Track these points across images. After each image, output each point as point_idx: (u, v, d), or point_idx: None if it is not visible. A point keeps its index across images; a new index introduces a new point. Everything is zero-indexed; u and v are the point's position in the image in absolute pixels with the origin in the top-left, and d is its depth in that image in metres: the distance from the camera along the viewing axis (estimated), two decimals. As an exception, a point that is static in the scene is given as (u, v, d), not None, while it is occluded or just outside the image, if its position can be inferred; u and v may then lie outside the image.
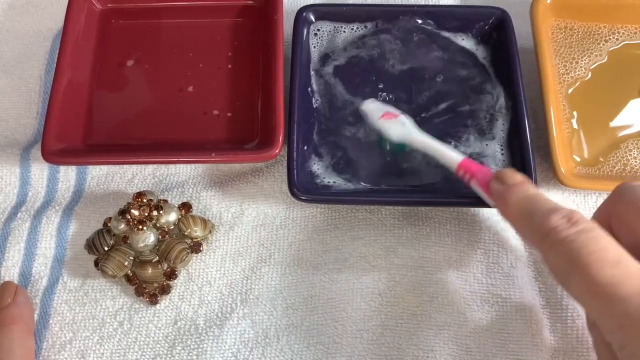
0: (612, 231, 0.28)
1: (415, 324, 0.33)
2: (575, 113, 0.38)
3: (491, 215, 0.37)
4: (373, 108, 0.36)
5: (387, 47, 0.40)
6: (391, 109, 0.36)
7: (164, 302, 0.35)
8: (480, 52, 0.40)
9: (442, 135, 0.37)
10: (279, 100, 0.36)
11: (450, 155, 0.33)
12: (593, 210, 0.37)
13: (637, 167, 0.37)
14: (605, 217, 0.29)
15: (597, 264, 0.23)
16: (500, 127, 0.38)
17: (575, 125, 0.38)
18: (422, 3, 0.43)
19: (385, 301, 0.34)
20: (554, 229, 0.25)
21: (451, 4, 0.44)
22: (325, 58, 0.40)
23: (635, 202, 0.27)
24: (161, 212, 0.35)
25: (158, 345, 0.34)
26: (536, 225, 0.26)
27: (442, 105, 0.38)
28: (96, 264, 0.35)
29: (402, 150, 0.36)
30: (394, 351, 0.33)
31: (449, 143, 0.37)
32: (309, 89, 0.39)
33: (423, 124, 0.38)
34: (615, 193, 0.29)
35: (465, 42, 0.40)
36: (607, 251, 0.24)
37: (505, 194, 0.30)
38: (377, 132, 0.36)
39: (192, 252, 0.35)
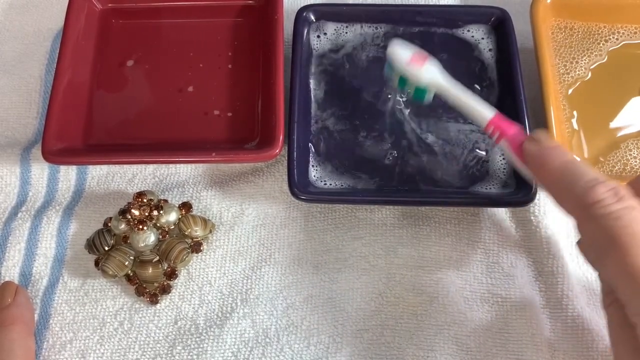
0: None
1: (416, 323, 0.33)
2: (575, 113, 0.38)
3: (491, 215, 0.37)
4: (400, 51, 0.32)
5: (387, 47, 0.40)
6: (420, 51, 0.33)
7: (165, 301, 0.35)
8: (480, 52, 0.40)
9: (443, 135, 0.37)
10: (279, 100, 0.36)
11: (480, 108, 0.31)
12: (593, 210, 0.37)
13: (637, 166, 0.37)
14: None
15: (635, 249, 0.22)
16: (500, 127, 0.38)
17: (575, 125, 0.38)
18: (422, 3, 0.43)
19: (385, 301, 0.34)
20: (599, 202, 0.24)
21: (451, 3, 0.44)
22: (325, 58, 0.40)
23: None
24: (161, 212, 0.35)
25: (158, 345, 0.34)
26: (578, 194, 0.25)
27: (442, 105, 0.38)
28: (96, 263, 0.35)
29: (422, 97, 0.33)
30: (394, 351, 0.33)
31: (448, 145, 0.37)
32: (309, 89, 0.39)
33: (423, 126, 0.38)
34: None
35: (465, 41, 0.40)
36: None
37: (543, 156, 0.28)
38: (400, 75, 0.33)
39: (192, 251, 0.35)
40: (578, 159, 0.27)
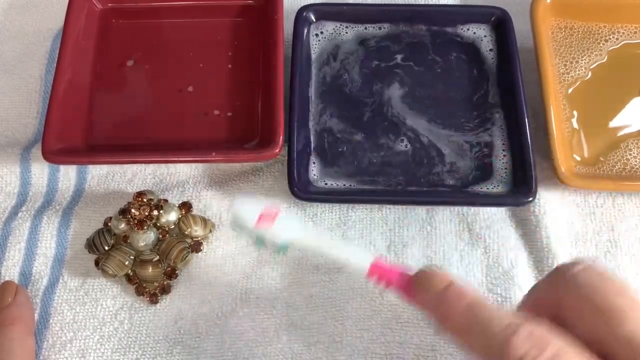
0: (557, 318, 0.23)
1: (416, 323, 0.33)
2: (575, 112, 0.38)
3: (491, 215, 0.37)
4: (245, 213, 0.27)
5: (387, 47, 0.40)
6: (267, 206, 0.28)
7: (165, 301, 0.35)
8: (480, 52, 0.40)
9: (443, 135, 0.37)
10: (279, 99, 0.36)
11: (355, 260, 0.27)
12: (594, 210, 0.37)
13: (637, 166, 0.37)
14: (548, 304, 0.24)
15: None
16: (500, 127, 0.38)
17: (575, 125, 0.38)
18: (422, 3, 0.43)
19: (386, 300, 0.34)
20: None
21: (451, 3, 0.44)
22: (325, 58, 0.40)
23: (581, 295, 0.23)
24: (161, 211, 0.35)
25: (158, 345, 0.34)
26: (495, 350, 0.22)
27: (441, 105, 0.38)
28: (97, 263, 0.35)
29: (285, 251, 0.28)
30: (395, 350, 0.33)
31: (448, 145, 0.37)
32: (309, 89, 0.39)
33: (423, 126, 0.38)
34: (555, 281, 0.25)
35: (466, 41, 0.40)
36: None
37: (439, 304, 0.25)
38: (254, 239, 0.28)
39: (192, 251, 0.35)
40: (478, 293, 0.25)
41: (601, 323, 0.22)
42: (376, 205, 0.37)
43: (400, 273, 0.27)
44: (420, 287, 0.26)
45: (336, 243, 0.29)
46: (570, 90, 0.39)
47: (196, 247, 0.35)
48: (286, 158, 0.36)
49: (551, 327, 0.22)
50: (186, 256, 0.34)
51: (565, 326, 0.23)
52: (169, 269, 0.35)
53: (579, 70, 0.39)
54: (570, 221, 0.37)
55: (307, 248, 0.28)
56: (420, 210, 0.37)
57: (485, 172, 0.36)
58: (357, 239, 0.36)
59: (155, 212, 0.34)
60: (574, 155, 0.37)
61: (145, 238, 0.34)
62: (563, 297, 0.24)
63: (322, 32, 0.41)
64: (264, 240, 0.28)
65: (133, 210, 0.34)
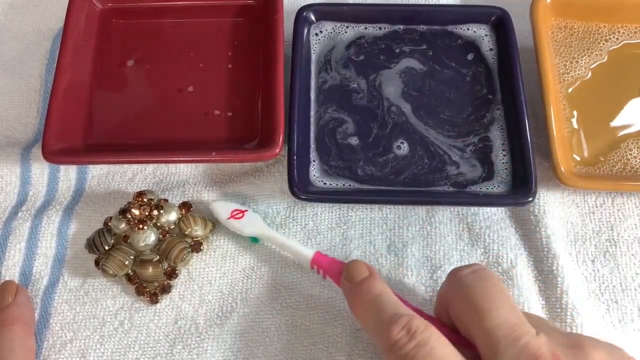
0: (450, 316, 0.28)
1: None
2: (575, 112, 0.38)
3: (491, 215, 0.37)
4: (220, 207, 0.35)
5: (386, 47, 0.40)
6: (238, 206, 0.35)
7: (165, 301, 0.35)
8: (480, 51, 0.40)
9: (442, 136, 0.37)
10: (279, 99, 0.36)
11: (300, 250, 0.33)
12: (593, 210, 0.37)
13: (637, 166, 0.37)
14: (443, 301, 0.29)
15: None
16: (500, 127, 0.38)
17: (575, 125, 0.38)
18: (422, 3, 0.43)
19: (386, 300, 0.34)
20: (395, 344, 0.26)
21: (451, 3, 0.44)
22: (325, 58, 0.40)
23: (462, 293, 0.27)
24: (162, 211, 0.35)
25: (158, 345, 0.34)
26: (381, 335, 0.27)
27: (442, 105, 0.38)
28: (97, 263, 0.35)
29: (256, 241, 0.36)
30: (394, 350, 0.33)
31: (448, 144, 0.37)
32: (309, 89, 0.39)
33: (423, 125, 0.38)
34: (447, 281, 0.29)
35: (466, 41, 0.40)
36: None
37: (354, 293, 0.30)
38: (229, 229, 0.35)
39: (192, 251, 0.35)
40: (386, 288, 0.29)
41: (470, 318, 0.26)
42: (376, 205, 0.37)
43: (333, 262, 0.32)
44: (343, 277, 0.31)
45: (287, 239, 0.34)
46: (570, 90, 0.39)
47: (196, 247, 0.35)
48: (286, 158, 0.36)
49: (428, 322, 0.26)
50: (186, 256, 0.35)
51: (453, 320, 0.27)
52: (169, 268, 0.35)
53: (579, 70, 0.39)
54: (570, 221, 0.37)
55: (267, 240, 0.35)
56: (420, 210, 0.37)
57: (485, 172, 0.36)
58: (357, 238, 0.36)
59: (155, 212, 0.35)
60: (574, 155, 0.37)
61: (146, 238, 0.34)
62: (450, 294, 0.28)
63: (322, 32, 0.41)
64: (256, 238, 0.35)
65: (133, 210, 0.34)
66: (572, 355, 0.25)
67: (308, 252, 0.33)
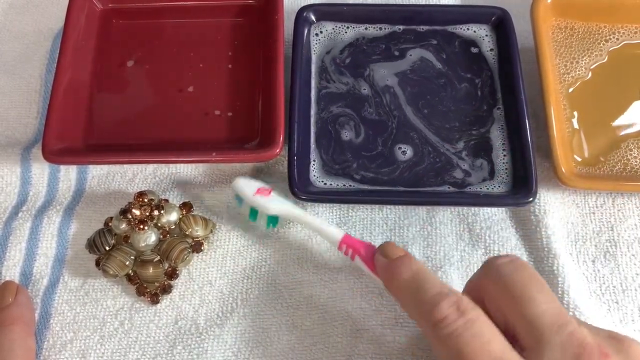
0: (485, 306, 0.27)
1: (415, 323, 0.33)
2: (575, 113, 0.38)
3: (491, 215, 0.37)
4: (245, 184, 0.34)
5: (387, 47, 0.40)
6: (263, 185, 0.34)
7: (165, 301, 0.35)
8: (480, 51, 0.40)
9: (442, 136, 0.37)
10: (279, 100, 0.36)
11: (330, 230, 0.33)
12: (594, 210, 0.37)
13: (638, 166, 0.37)
14: (477, 290, 0.28)
15: None
16: (501, 127, 0.38)
17: (575, 125, 0.38)
18: (423, 3, 0.43)
19: (386, 300, 0.34)
20: (442, 320, 0.25)
21: (452, 3, 0.44)
22: (325, 58, 0.40)
23: (500, 282, 0.27)
24: (162, 211, 0.35)
25: (159, 345, 0.34)
26: (425, 310, 0.26)
27: (442, 106, 0.38)
28: (97, 263, 0.35)
29: (275, 224, 0.35)
30: (395, 350, 0.33)
31: (449, 145, 0.37)
32: (310, 89, 0.39)
33: (423, 125, 0.38)
34: (483, 270, 0.29)
35: (466, 41, 0.40)
36: (490, 346, 0.24)
37: (391, 269, 0.29)
38: (251, 207, 0.34)
39: (193, 251, 0.35)
40: (424, 267, 0.29)
41: (512, 306, 0.26)
42: (376, 205, 0.37)
43: (366, 244, 0.32)
44: (378, 254, 0.30)
45: (316, 218, 0.33)
46: (570, 90, 0.39)
47: (197, 247, 0.35)
48: (286, 158, 0.36)
49: (474, 302, 0.26)
50: (187, 256, 0.34)
51: (486, 309, 0.27)
52: (170, 269, 0.35)
53: (579, 71, 0.39)
54: (571, 221, 0.37)
55: (293, 219, 0.34)
56: (421, 211, 0.37)
57: (485, 172, 0.36)
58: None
59: (156, 212, 0.35)
60: (574, 156, 0.37)
61: (146, 238, 0.34)
62: (487, 283, 0.28)
63: (322, 32, 0.41)
64: (256, 214, 0.34)
65: (134, 210, 0.34)
66: (614, 347, 0.25)
67: (337, 233, 0.32)
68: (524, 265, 0.27)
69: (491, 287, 0.27)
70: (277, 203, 0.33)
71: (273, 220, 0.35)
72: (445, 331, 0.25)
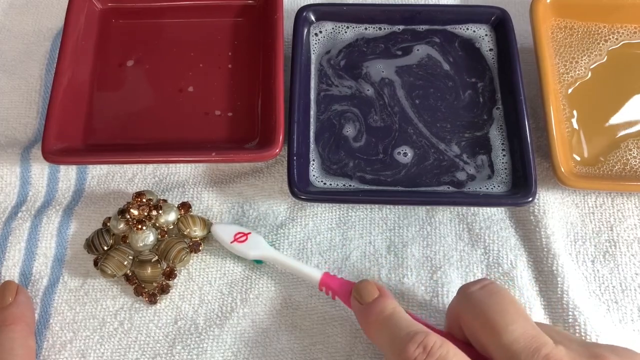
0: (463, 333, 0.29)
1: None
2: (575, 112, 0.38)
3: (491, 215, 0.37)
4: (222, 231, 0.35)
5: (386, 47, 0.40)
6: (241, 229, 0.35)
7: (165, 301, 0.35)
8: (480, 51, 0.40)
9: (442, 136, 0.37)
10: (279, 100, 0.36)
11: (309, 272, 0.33)
12: (593, 210, 0.37)
13: (637, 166, 0.37)
14: (455, 317, 0.29)
15: None
16: (500, 127, 0.38)
17: (575, 125, 0.38)
18: (422, 3, 0.43)
19: (385, 301, 0.34)
20: None
21: (451, 3, 0.44)
22: (325, 58, 0.40)
23: (474, 310, 0.27)
24: (160, 211, 0.35)
25: (158, 345, 0.34)
26: (397, 354, 0.27)
27: (441, 105, 0.38)
28: (95, 263, 0.35)
29: (260, 262, 0.35)
30: (394, 351, 0.33)
31: (448, 145, 0.37)
32: (309, 89, 0.39)
33: (423, 125, 0.38)
34: (458, 299, 0.29)
35: (465, 41, 0.40)
36: None
37: (365, 313, 0.30)
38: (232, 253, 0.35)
39: (191, 251, 0.35)
40: (398, 308, 0.29)
41: (486, 335, 0.26)
42: (376, 205, 0.37)
43: (343, 283, 0.32)
44: (353, 297, 0.31)
45: (294, 260, 0.34)
46: (570, 91, 0.39)
47: (195, 247, 0.35)
48: (286, 158, 0.36)
49: (444, 338, 0.26)
50: (185, 256, 0.34)
51: (464, 336, 0.28)
52: (168, 269, 0.35)
53: (578, 70, 0.39)
54: (570, 221, 0.37)
55: (272, 261, 0.35)
56: (420, 211, 0.37)
57: (485, 172, 0.36)
58: (357, 239, 0.36)
59: (154, 212, 0.35)
60: (574, 156, 0.37)
61: (144, 238, 0.34)
62: (462, 312, 0.28)
63: (322, 32, 0.41)
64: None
65: (132, 210, 0.34)
66: None
67: (316, 274, 0.33)
68: (495, 290, 0.28)
69: (466, 315, 0.28)
70: (254, 248, 0.34)
71: (257, 261, 0.35)
72: None
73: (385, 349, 0.28)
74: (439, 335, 0.27)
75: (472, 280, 0.34)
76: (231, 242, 0.34)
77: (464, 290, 0.29)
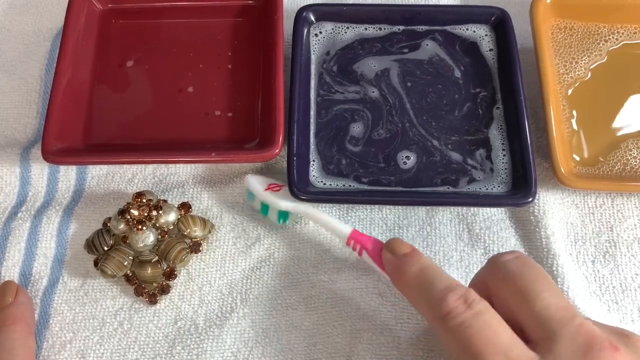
0: (491, 302, 0.28)
1: (415, 323, 0.33)
2: (575, 113, 0.38)
3: (491, 215, 0.37)
4: (256, 180, 0.35)
5: (386, 47, 0.40)
6: (274, 181, 0.35)
7: (164, 301, 0.35)
8: (480, 52, 0.40)
9: (441, 135, 0.37)
10: (279, 100, 0.36)
11: (338, 226, 0.33)
12: (593, 210, 0.37)
13: (637, 166, 0.37)
14: (482, 287, 0.29)
15: (489, 354, 0.24)
16: (500, 128, 0.38)
17: (575, 125, 0.38)
18: (422, 3, 0.43)
19: (385, 301, 0.34)
20: (450, 312, 0.25)
21: (451, 3, 0.44)
22: (325, 58, 0.40)
23: (506, 279, 0.27)
24: (160, 212, 0.35)
25: (158, 345, 0.34)
26: (433, 304, 0.26)
27: (441, 105, 0.38)
28: (96, 263, 0.35)
29: (285, 219, 0.35)
30: (394, 351, 0.33)
31: (448, 145, 0.37)
32: (309, 89, 0.39)
33: (423, 125, 0.38)
34: (488, 267, 0.29)
35: (465, 41, 0.40)
36: (499, 337, 0.25)
37: (398, 265, 0.30)
38: (262, 202, 0.35)
39: (191, 252, 0.35)
40: (432, 262, 0.29)
41: (519, 302, 0.26)
42: (376, 206, 0.37)
43: (373, 240, 0.32)
44: (385, 250, 0.31)
45: (324, 214, 0.34)
46: (570, 91, 0.39)
47: (195, 247, 0.35)
48: (286, 158, 0.36)
49: (480, 296, 0.26)
50: (185, 257, 0.34)
51: (492, 306, 0.27)
52: (168, 269, 0.35)
53: (578, 71, 0.39)
54: (570, 222, 0.37)
55: (303, 214, 0.34)
56: (420, 211, 0.37)
57: (485, 172, 0.36)
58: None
59: (154, 213, 0.35)
60: (574, 156, 0.37)
61: (145, 238, 0.34)
62: (492, 280, 0.28)
63: (321, 32, 0.41)
64: (267, 209, 0.35)
65: (132, 211, 0.34)
66: (623, 342, 0.25)
67: (345, 229, 0.33)
68: (529, 261, 0.28)
69: (497, 284, 0.28)
70: (287, 199, 0.34)
71: (284, 215, 0.35)
72: (454, 323, 0.25)
73: (419, 300, 0.28)
74: (475, 291, 0.26)
75: (472, 280, 0.34)
76: (265, 190, 0.34)
77: (496, 259, 0.28)
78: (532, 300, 0.26)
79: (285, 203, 0.34)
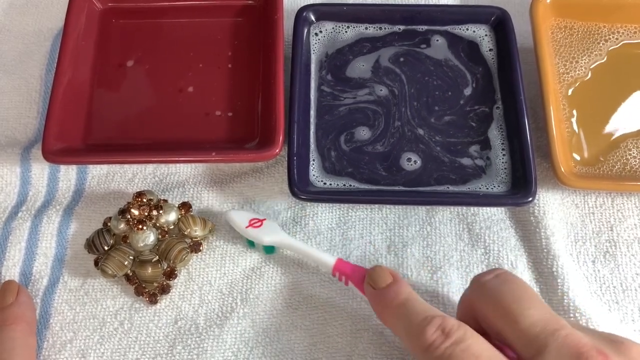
0: (478, 323, 0.28)
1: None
2: (575, 112, 0.38)
3: (491, 215, 0.37)
4: (238, 217, 0.35)
5: (386, 47, 0.40)
6: (256, 215, 0.35)
7: (165, 301, 0.35)
8: (480, 51, 0.40)
9: (441, 135, 0.37)
10: (279, 100, 0.36)
11: (322, 257, 0.33)
12: (593, 210, 0.37)
13: (637, 166, 0.37)
14: (469, 308, 0.29)
15: None
16: (500, 127, 0.38)
17: (575, 125, 0.38)
18: (422, 3, 0.44)
19: (385, 300, 0.34)
20: (431, 345, 0.26)
21: (451, 3, 0.44)
22: (325, 58, 0.40)
23: (488, 299, 0.27)
24: (161, 211, 0.35)
25: (158, 345, 0.34)
26: (414, 338, 0.27)
27: (441, 105, 0.38)
28: (96, 263, 0.35)
29: (272, 251, 0.35)
30: (395, 351, 0.33)
31: (447, 145, 0.37)
32: (309, 89, 0.39)
33: (423, 126, 0.38)
34: (472, 288, 0.29)
35: (465, 41, 0.40)
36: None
37: (379, 299, 0.30)
38: (246, 238, 0.35)
39: (191, 251, 0.35)
40: (413, 293, 0.29)
41: (503, 322, 0.26)
42: (376, 205, 0.37)
43: (356, 269, 0.32)
44: (367, 283, 0.31)
45: (308, 246, 0.34)
46: (570, 91, 0.39)
47: (196, 247, 0.35)
48: (286, 158, 0.36)
49: (461, 322, 0.26)
50: (185, 256, 0.35)
51: (479, 326, 0.27)
52: (169, 269, 0.35)
53: (578, 70, 0.39)
54: (570, 222, 0.37)
55: (286, 247, 0.35)
56: (420, 211, 0.37)
57: (485, 172, 0.36)
58: (357, 239, 0.36)
59: (154, 212, 0.35)
60: (574, 156, 0.37)
61: (145, 238, 0.34)
62: (477, 301, 0.28)
63: (322, 32, 0.41)
64: (254, 242, 0.35)
65: (132, 210, 0.34)
66: (613, 349, 0.25)
67: (330, 259, 0.33)
68: (509, 277, 0.28)
69: (481, 305, 0.28)
70: (268, 234, 0.34)
71: (269, 248, 0.35)
72: (435, 355, 0.25)
73: (401, 334, 0.28)
74: (455, 319, 0.26)
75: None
76: (246, 227, 0.34)
77: (477, 280, 0.29)
78: (516, 319, 0.26)
79: (268, 237, 0.34)
